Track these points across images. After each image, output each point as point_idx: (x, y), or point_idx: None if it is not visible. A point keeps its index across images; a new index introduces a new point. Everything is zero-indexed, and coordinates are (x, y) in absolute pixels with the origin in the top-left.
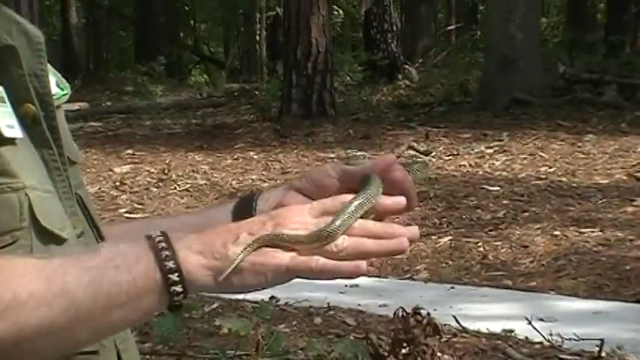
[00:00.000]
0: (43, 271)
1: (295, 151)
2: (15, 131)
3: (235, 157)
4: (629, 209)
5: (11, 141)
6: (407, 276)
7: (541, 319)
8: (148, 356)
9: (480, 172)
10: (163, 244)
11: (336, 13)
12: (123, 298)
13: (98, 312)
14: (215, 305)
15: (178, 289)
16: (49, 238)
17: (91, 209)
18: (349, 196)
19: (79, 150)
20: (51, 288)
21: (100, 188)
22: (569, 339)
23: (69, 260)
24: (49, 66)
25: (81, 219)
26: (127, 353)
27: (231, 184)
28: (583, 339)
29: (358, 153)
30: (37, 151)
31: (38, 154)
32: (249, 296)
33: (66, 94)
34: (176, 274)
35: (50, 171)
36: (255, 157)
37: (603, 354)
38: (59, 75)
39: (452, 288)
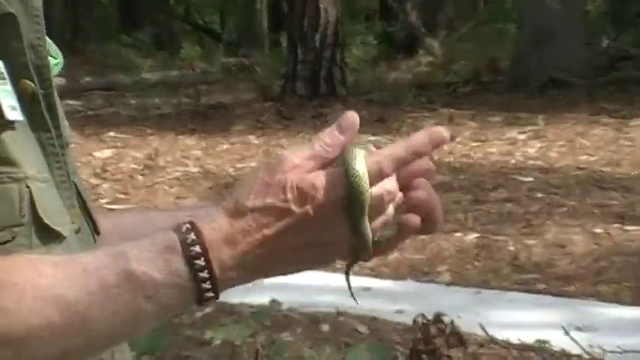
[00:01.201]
0: (62, 298)
1: (300, 134)
2: (17, 113)
3: (232, 141)
4: None
5: (12, 124)
6: (427, 278)
7: (579, 329)
8: None
9: (512, 161)
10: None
11: None
12: (146, 327)
13: (115, 341)
14: (208, 310)
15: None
16: (50, 236)
17: (86, 199)
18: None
19: (70, 129)
20: (70, 323)
21: None
22: (612, 351)
23: (93, 285)
24: None
25: (78, 212)
26: (120, 353)
27: (227, 173)
28: (627, 351)
29: (371, 138)
30: (34, 133)
31: (35, 136)
32: (247, 299)
33: (58, 63)
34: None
35: (47, 156)
36: (256, 141)
37: None
38: (50, 41)
39: (478, 292)
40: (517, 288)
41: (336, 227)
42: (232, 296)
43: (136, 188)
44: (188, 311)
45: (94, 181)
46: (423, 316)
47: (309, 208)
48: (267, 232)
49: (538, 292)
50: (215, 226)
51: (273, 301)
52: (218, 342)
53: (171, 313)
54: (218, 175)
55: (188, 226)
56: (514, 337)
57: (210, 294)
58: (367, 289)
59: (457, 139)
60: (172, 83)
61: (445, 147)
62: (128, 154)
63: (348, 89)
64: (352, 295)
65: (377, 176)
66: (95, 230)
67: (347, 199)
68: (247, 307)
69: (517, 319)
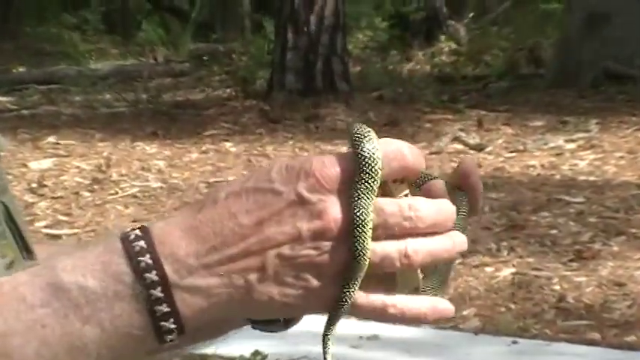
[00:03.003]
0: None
1: (291, 142)
2: None
3: (204, 149)
4: None
5: None
6: (449, 324)
7: None
8: None
9: (557, 177)
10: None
11: None
12: None
13: None
14: None
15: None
16: None
17: (21, 224)
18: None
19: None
20: None
21: None
22: None
23: (9, 308)
24: None
25: (9, 243)
26: None
27: (197, 188)
28: None
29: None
30: None
31: None
32: (222, 350)
33: None
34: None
35: None
36: (233, 149)
37: None
38: None
39: (514, 343)
40: (564, 337)
41: (342, 214)
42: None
43: (81, 208)
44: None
45: (28, 198)
46: None
47: (302, 186)
48: (243, 219)
49: (591, 342)
50: (170, 221)
51: (256, 353)
52: None
53: (132, 345)
54: (186, 191)
55: (133, 226)
56: None
57: (165, 308)
58: (374, 337)
59: (488, 149)
60: (127, 75)
61: (473, 158)
62: (72, 164)
63: (351, 84)
64: None
65: (395, 171)
66: (27, 251)
67: (356, 177)
68: (222, 359)
69: None
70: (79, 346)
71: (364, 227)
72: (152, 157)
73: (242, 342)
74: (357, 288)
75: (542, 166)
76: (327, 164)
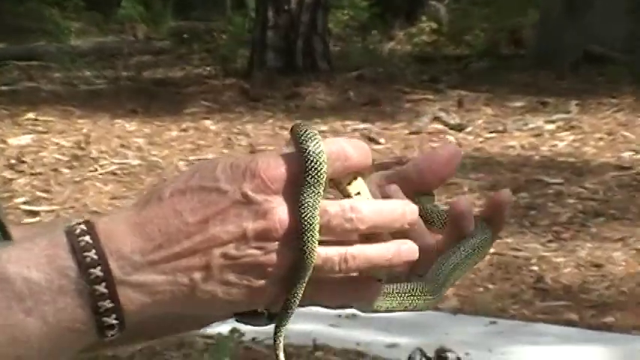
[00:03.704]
0: None
1: (271, 120)
2: None
3: (184, 126)
4: None
5: None
6: None
7: None
8: None
9: (537, 158)
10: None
11: None
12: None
13: None
14: (151, 341)
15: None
16: None
17: None
18: None
19: None
20: None
21: None
22: None
23: None
24: None
25: None
26: None
27: (176, 167)
28: None
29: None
30: None
31: None
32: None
33: None
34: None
35: None
36: (213, 127)
37: None
38: None
39: (492, 323)
40: (542, 318)
41: (287, 215)
42: None
43: (60, 185)
44: (102, 344)
45: (7, 174)
46: (421, 351)
47: (247, 186)
48: (189, 217)
49: (569, 323)
50: (116, 217)
51: (234, 331)
52: None
53: (74, 339)
54: (165, 169)
55: (79, 220)
56: None
57: (109, 303)
58: (352, 316)
59: (468, 129)
60: (107, 52)
61: (452, 139)
62: (51, 141)
63: (332, 63)
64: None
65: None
66: (4, 235)
67: (300, 178)
68: (201, 338)
69: (541, 357)
70: (21, 337)
71: (312, 228)
72: (132, 134)
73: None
74: (303, 288)
75: (522, 146)
76: (273, 165)
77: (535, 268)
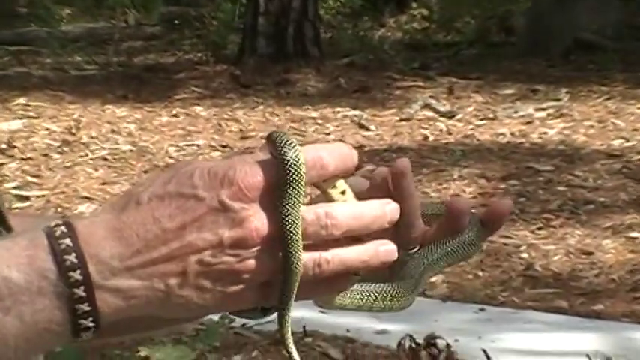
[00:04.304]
0: None
1: (261, 107)
2: None
3: (174, 112)
4: None
5: None
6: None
7: (608, 358)
8: None
9: (526, 145)
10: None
11: None
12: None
13: None
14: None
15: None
16: None
17: None
18: None
19: None
20: None
21: None
22: None
23: None
24: None
25: None
26: None
27: (167, 152)
28: None
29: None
30: None
31: None
32: None
33: None
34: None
35: None
36: (204, 113)
37: None
38: None
39: (482, 310)
40: (531, 305)
41: (264, 223)
42: None
43: (51, 170)
44: (74, 341)
45: None
46: (411, 337)
47: (224, 194)
48: (166, 224)
49: (558, 310)
50: (95, 220)
51: (224, 317)
52: None
53: (50, 339)
54: (156, 155)
55: (58, 221)
56: None
57: (86, 306)
58: None
59: (458, 116)
60: (98, 38)
61: (443, 126)
62: (42, 126)
63: (322, 50)
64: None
65: (316, 173)
66: (5, 227)
67: (277, 186)
68: (191, 324)
69: (530, 344)
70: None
71: (295, 238)
72: (122, 120)
73: None
74: (294, 292)
75: (512, 134)
76: (250, 173)
77: (525, 255)
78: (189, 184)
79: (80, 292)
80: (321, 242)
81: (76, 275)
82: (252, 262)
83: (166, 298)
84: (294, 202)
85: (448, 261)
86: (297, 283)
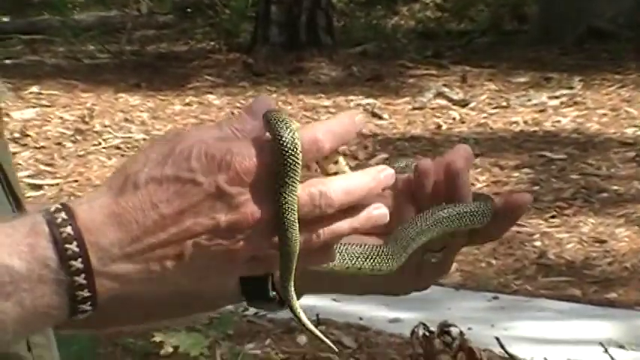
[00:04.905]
0: None
1: (274, 95)
2: None
3: (187, 101)
4: None
5: None
6: None
7: (621, 346)
8: None
9: (540, 133)
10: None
11: None
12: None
13: None
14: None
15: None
16: None
17: (13, 181)
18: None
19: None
20: None
21: None
22: None
23: None
24: None
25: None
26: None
27: None
28: None
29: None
30: None
31: None
32: None
33: None
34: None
35: None
36: (217, 102)
37: None
38: None
39: (495, 298)
40: (544, 293)
41: (259, 206)
42: None
43: (64, 158)
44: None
45: (11, 148)
46: (425, 326)
47: (222, 178)
48: (165, 209)
49: (571, 298)
50: (94, 205)
51: (237, 305)
52: (168, 352)
53: (47, 322)
54: None
55: (58, 206)
56: (539, 355)
57: (86, 293)
58: None
59: (471, 105)
60: (111, 27)
61: (456, 114)
62: (55, 114)
63: (335, 38)
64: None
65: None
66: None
67: (275, 167)
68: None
69: (544, 332)
70: None
71: (291, 217)
72: (135, 108)
73: None
74: (293, 272)
75: (525, 122)
76: (247, 157)
77: (538, 243)
78: (186, 167)
79: (80, 279)
80: (314, 219)
81: (77, 264)
82: (245, 243)
83: (161, 279)
84: (291, 186)
85: (444, 228)
86: (295, 262)
